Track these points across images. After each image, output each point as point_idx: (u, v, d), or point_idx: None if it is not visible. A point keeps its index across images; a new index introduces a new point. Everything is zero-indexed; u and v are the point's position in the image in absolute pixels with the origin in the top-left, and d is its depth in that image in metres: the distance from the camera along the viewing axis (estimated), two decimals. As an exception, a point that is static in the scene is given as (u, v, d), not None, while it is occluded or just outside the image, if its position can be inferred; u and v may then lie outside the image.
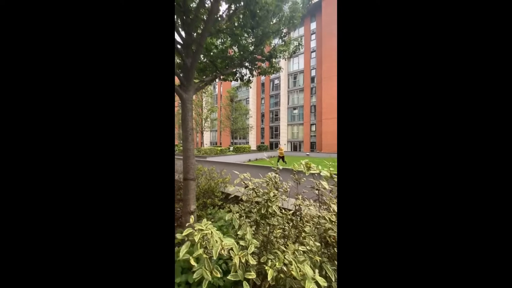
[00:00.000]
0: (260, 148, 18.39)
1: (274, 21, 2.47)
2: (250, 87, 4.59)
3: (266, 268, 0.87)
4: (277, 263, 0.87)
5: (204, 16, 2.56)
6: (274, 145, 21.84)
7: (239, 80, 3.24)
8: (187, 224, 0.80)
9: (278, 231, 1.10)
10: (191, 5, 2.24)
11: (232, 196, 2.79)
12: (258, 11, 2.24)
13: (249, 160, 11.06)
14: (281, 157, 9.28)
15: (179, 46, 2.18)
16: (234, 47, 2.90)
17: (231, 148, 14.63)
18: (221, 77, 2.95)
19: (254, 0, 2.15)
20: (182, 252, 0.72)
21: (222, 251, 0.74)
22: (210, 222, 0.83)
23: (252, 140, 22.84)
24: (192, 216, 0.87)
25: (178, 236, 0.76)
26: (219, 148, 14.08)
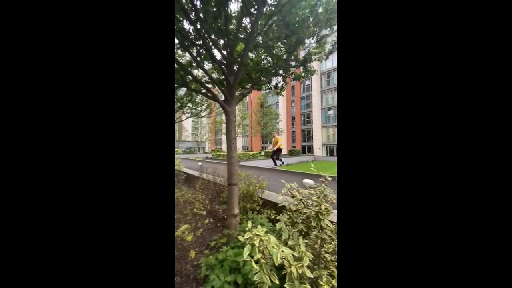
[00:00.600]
0: (291, 153, 17.86)
1: (311, 21, 2.42)
2: (283, 95, 4.67)
3: (321, 283, 0.85)
4: (333, 281, 0.84)
5: (241, 35, 2.81)
6: (306, 149, 20.75)
7: (272, 88, 3.33)
8: (246, 229, 0.89)
9: (329, 246, 1.05)
10: (231, 27, 2.51)
11: (273, 203, 2.83)
12: (292, 20, 2.28)
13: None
14: (278, 151, 5.74)
15: (223, 66, 2.47)
16: (268, 58, 3.02)
17: (262, 153, 14.86)
18: (256, 87, 3.12)
19: (289, 11, 2.21)
20: (245, 253, 0.80)
21: (279, 259, 0.79)
22: (264, 229, 0.90)
23: (283, 144, 22.49)
24: (238, 219, 0.94)
25: (241, 238, 0.86)
26: (251, 152, 14.57)
